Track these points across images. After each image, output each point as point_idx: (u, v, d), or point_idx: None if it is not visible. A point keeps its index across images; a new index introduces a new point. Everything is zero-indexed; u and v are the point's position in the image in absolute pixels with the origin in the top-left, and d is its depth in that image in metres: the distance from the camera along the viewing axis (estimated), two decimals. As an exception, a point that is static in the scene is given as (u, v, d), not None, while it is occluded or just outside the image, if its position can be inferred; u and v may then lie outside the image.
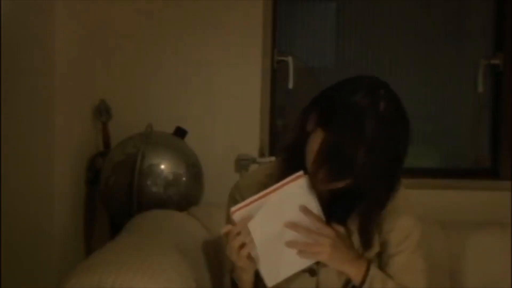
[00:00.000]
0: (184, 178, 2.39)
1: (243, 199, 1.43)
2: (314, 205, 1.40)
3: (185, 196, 2.39)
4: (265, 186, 1.42)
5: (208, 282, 1.83)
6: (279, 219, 1.40)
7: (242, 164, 2.67)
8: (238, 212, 1.39)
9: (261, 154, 2.70)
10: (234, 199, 1.55)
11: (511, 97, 2.77)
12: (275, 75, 2.78)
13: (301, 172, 1.38)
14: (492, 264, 2.24)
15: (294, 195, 1.39)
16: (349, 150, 1.32)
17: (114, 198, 2.39)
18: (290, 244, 1.41)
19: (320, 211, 1.41)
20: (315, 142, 1.38)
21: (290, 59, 2.76)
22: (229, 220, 1.47)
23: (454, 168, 2.94)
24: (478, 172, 2.88)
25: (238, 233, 1.39)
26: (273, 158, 2.65)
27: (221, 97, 2.68)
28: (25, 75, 2.09)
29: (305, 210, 1.40)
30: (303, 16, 2.89)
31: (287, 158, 1.50)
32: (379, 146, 1.33)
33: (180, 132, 2.53)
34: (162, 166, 2.36)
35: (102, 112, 2.61)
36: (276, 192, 1.38)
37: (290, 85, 2.76)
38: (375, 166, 1.34)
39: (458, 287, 2.23)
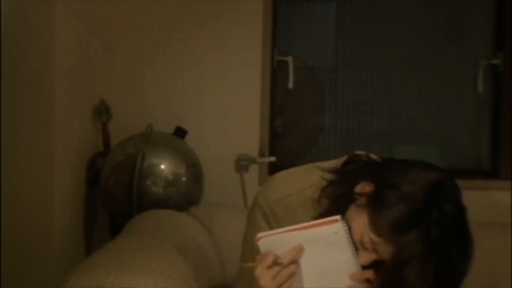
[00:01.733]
0: (184, 178, 2.39)
1: (273, 213, 1.40)
2: (349, 253, 1.28)
3: (185, 196, 2.39)
4: (298, 219, 1.33)
5: (208, 282, 1.83)
6: (309, 260, 1.30)
7: (242, 164, 2.67)
8: (264, 239, 1.28)
9: (261, 154, 2.69)
10: (262, 211, 1.45)
11: (511, 97, 2.77)
12: (275, 75, 2.78)
13: (338, 217, 1.27)
14: (492, 264, 2.24)
15: (328, 238, 1.27)
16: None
17: (114, 198, 2.39)
18: None
19: (356, 259, 1.29)
20: (360, 224, 1.27)
21: (290, 59, 2.77)
22: (250, 227, 1.44)
23: (454, 168, 2.94)
24: (478, 172, 2.88)
25: (277, 263, 1.28)
26: (273, 158, 2.66)
27: (221, 97, 2.69)
28: (25, 75, 2.09)
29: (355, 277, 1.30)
30: (303, 16, 2.89)
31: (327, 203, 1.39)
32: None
33: (180, 132, 2.53)
34: (162, 166, 2.36)
35: (102, 112, 2.61)
36: (309, 230, 1.28)
37: (290, 85, 2.76)
38: None
39: (458, 287, 2.23)
